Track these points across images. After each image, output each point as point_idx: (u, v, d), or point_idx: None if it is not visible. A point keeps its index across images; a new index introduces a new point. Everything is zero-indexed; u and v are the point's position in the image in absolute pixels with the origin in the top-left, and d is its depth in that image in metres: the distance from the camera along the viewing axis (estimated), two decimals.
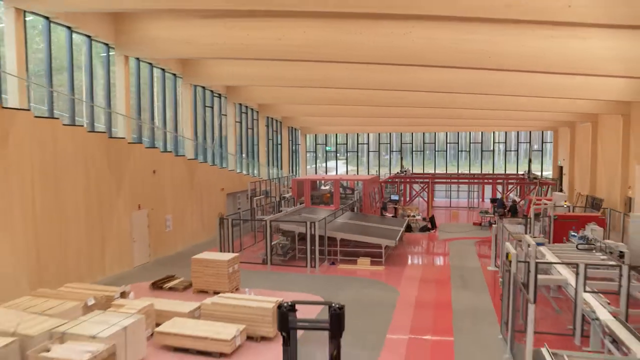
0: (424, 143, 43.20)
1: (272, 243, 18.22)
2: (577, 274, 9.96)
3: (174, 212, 20.40)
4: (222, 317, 10.88)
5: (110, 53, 17.71)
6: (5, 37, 13.16)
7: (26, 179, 12.92)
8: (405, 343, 10.65)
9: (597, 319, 9.08)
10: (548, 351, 6.77)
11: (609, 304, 9.85)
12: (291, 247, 19.12)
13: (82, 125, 15.76)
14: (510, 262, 10.22)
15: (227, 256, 14.42)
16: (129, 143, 17.65)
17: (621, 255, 12.50)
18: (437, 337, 11.07)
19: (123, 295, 12.33)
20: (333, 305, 5.74)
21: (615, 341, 8.00)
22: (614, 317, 8.90)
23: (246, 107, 30.91)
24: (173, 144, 22.34)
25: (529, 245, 11.21)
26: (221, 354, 9.85)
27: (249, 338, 10.71)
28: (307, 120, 38.16)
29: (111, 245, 16.32)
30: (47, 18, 14.63)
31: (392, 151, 43.79)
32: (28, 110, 13.39)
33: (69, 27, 15.57)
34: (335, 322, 5.70)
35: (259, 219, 21.27)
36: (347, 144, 44.21)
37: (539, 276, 10.04)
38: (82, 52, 16.63)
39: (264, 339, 10.77)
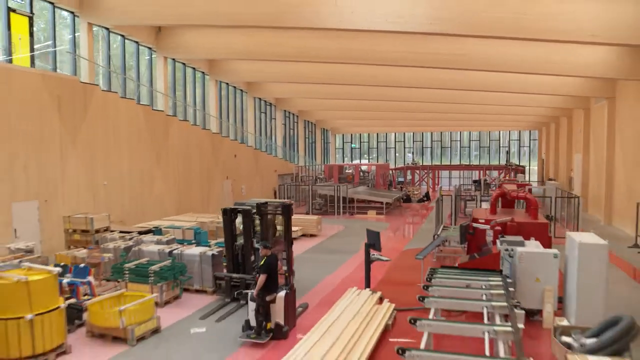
0: (432, 141, 52.45)
1: (312, 201, 28.04)
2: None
3: (246, 183, 30.38)
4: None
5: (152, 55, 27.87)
6: (80, 42, 19.26)
7: (175, 157, 23.03)
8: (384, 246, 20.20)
9: None
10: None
11: None
12: (324, 204, 28.87)
13: (197, 125, 25.90)
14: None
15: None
16: (222, 136, 27.74)
17: None
18: (403, 243, 20.59)
19: None
20: (286, 201, 14.27)
21: None
22: None
23: (290, 112, 40.93)
24: (241, 137, 32.40)
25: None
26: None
27: (303, 235, 20.43)
28: (337, 122, 48.04)
29: (212, 198, 26.33)
30: (107, 29, 20.79)
31: (405, 147, 53.17)
32: (174, 116, 23.53)
33: (122, 35, 21.92)
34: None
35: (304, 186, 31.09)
36: (368, 142, 53.81)
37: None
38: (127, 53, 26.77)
39: (312, 235, 20.50)
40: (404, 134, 52.71)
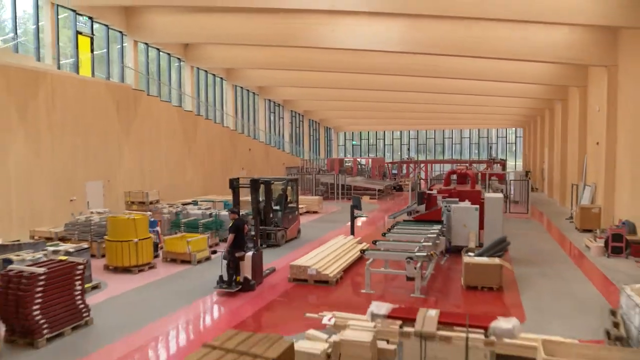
0: (426, 138, 57.04)
1: (315, 188, 32.76)
2: None
3: (258, 173, 35.04)
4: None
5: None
6: (127, 55, 24.51)
7: (201, 150, 27.80)
8: (371, 219, 24.86)
9: None
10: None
11: None
12: (326, 191, 33.57)
13: (218, 123, 30.65)
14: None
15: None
16: (238, 133, 32.51)
17: None
18: (387, 213, 25.23)
19: None
20: (261, 178, 19.08)
21: None
22: None
23: (296, 112, 45.67)
24: (254, 134, 37.13)
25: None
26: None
27: (307, 212, 25.11)
28: (339, 121, 52.75)
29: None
30: (147, 44, 27.61)
31: (403, 144, 57.78)
32: (200, 115, 28.29)
33: (158, 49, 27.14)
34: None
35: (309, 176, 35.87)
36: (368, 139, 58.51)
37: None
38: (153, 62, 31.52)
39: (315, 212, 25.21)
40: (401, 132, 57.30)
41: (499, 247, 11.65)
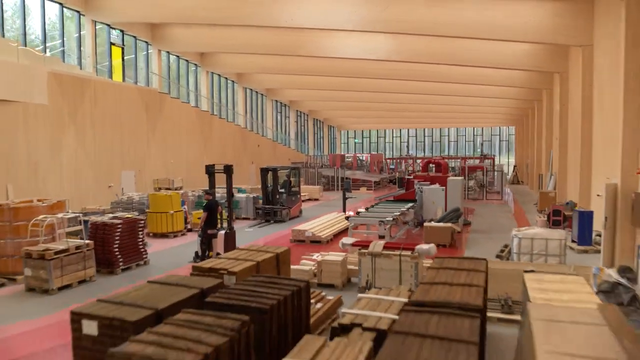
0: (424, 136, 60.39)
1: (318, 181, 36.26)
2: None
3: None
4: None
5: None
6: (151, 61, 30.59)
7: (216, 145, 31.35)
8: (363, 201, 28.30)
9: None
10: None
11: None
12: (327, 183, 37.04)
13: (231, 122, 34.22)
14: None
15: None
16: (248, 131, 36.08)
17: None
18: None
19: None
20: (269, 167, 22.96)
21: None
22: None
23: (301, 112, 49.21)
24: (262, 131, 40.68)
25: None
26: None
27: (309, 199, 28.55)
28: (342, 120, 56.25)
29: (242, 176, 34.57)
30: (168, 52, 32.52)
31: (402, 142, 61.19)
32: (215, 115, 31.86)
33: (177, 56, 32.71)
34: (263, 172, 21.06)
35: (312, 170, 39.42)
36: (369, 137, 61.95)
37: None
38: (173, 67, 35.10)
39: (315, 199, 28.68)
40: (400, 130, 60.70)
41: (452, 215, 15.10)
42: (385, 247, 9.79)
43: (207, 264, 7.50)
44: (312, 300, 7.51)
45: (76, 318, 5.23)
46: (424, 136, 60.58)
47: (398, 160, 50.71)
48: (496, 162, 51.14)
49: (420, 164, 49.13)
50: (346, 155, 47.60)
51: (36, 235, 10.36)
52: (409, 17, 18.45)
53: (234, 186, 27.79)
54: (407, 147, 59.77)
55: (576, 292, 5.49)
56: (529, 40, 18.75)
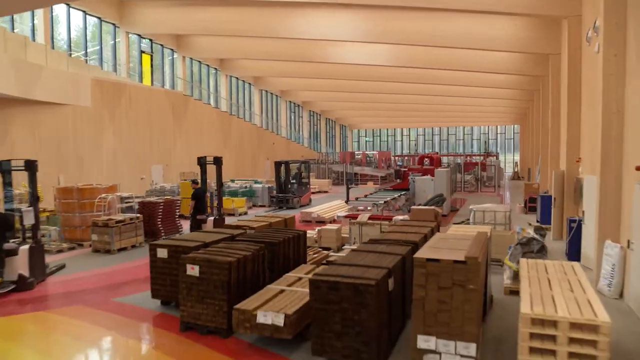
0: (432, 135, 62.85)
1: (328, 176, 39.03)
2: None
3: None
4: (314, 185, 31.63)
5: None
6: (176, 67, 33.99)
7: (234, 142, 34.27)
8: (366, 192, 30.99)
9: None
10: None
11: None
12: (337, 177, 39.79)
13: (248, 121, 37.14)
14: None
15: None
16: (264, 129, 38.99)
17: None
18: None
19: None
20: (282, 160, 25.79)
21: None
22: None
23: (314, 112, 52.05)
24: (277, 130, 43.55)
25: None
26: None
27: (319, 192, 31.31)
28: (353, 119, 59.00)
29: (258, 170, 37.43)
30: (191, 58, 35.59)
31: (411, 140, 63.72)
32: (233, 115, 34.80)
33: (199, 61, 36.42)
34: (277, 165, 25.19)
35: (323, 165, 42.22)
36: (380, 135, 64.58)
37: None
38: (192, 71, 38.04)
39: (325, 192, 31.44)
40: (409, 129, 63.24)
41: (436, 200, 17.76)
42: (369, 219, 12.54)
43: (234, 223, 10.30)
44: (310, 252, 10.30)
45: (152, 247, 8.10)
46: (432, 135, 63.02)
47: (406, 158, 53.27)
48: (501, 159, 53.72)
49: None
50: (356, 152, 50.34)
51: (99, 209, 13.31)
52: (404, 30, 21.09)
53: (249, 178, 30.75)
54: (416, 145, 62.27)
55: (477, 231, 8.22)
56: (509, 50, 21.28)
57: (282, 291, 7.03)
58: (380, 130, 64.57)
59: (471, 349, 5.51)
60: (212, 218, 13.47)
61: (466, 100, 40.47)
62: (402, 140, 64.63)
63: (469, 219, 13.30)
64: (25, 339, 7.34)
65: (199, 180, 14.40)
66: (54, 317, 8.09)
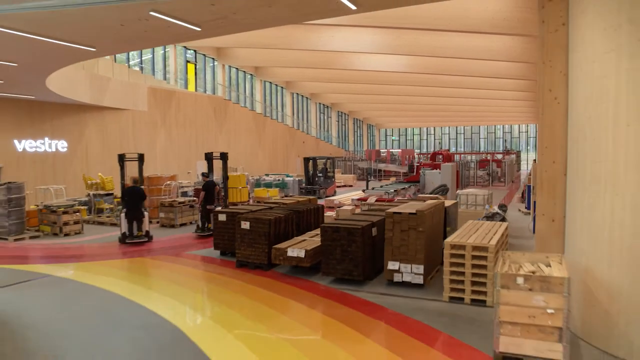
0: (457, 134, 65.38)
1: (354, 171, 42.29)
2: None
3: None
4: (339, 179, 34.94)
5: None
6: (217, 74, 37.74)
7: (268, 141, 37.89)
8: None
9: None
10: None
11: None
12: (362, 173, 42.99)
13: (280, 122, 40.73)
14: None
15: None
16: (295, 129, 42.54)
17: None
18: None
19: None
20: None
21: None
22: None
23: (342, 112, 55.41)
24: (307, 130, 47.03)
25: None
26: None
27: (344, 185, 34.62)
28: (380, 119, 62.08)
29: (290, 166, 40.94)
30: (230, 66, 39.35)
31: (436, 139, 66.41)
32: (267, 116, 38.45)
33: (237, 68, 40.32)
34: (306, 160, 29.00)
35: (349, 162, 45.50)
36: (406, 134, 67.46)
37: None
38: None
39: (349, 186, 34.74)
40: (434, 128, 65.94)
41: (440, 190, 20.87)
42: (376, 201, 15.82)
43: (268, 199, 13.74)
44: None
45: (215, 214, 11.61)
46: (457, 133, 65.54)
47: (429, 155, 56.11)
48: (523, 157, 55.95)
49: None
50: (381, 150, 53.46)
51: (166, 193, 16.97)
52: (416, 43, 24.24)
53: (281, 173, 34.27)
54: (440, 143, 64.94)
55: (443, 201, 11.41)
56: (516, 60, 24.20)
57: (304, 240, 10.43)
58: (406, 129, 67.44)
59: (420, 269, 8.79)
60: (219, 208, 13.86)
61: (487, 102, 43.11)
62: (427, 139, 67.35)
63: (440, 190, 16.46)
64: (148, 272, 11.00)
65: (208, 173, 15.82)
66: (157, 262, 11.75)
